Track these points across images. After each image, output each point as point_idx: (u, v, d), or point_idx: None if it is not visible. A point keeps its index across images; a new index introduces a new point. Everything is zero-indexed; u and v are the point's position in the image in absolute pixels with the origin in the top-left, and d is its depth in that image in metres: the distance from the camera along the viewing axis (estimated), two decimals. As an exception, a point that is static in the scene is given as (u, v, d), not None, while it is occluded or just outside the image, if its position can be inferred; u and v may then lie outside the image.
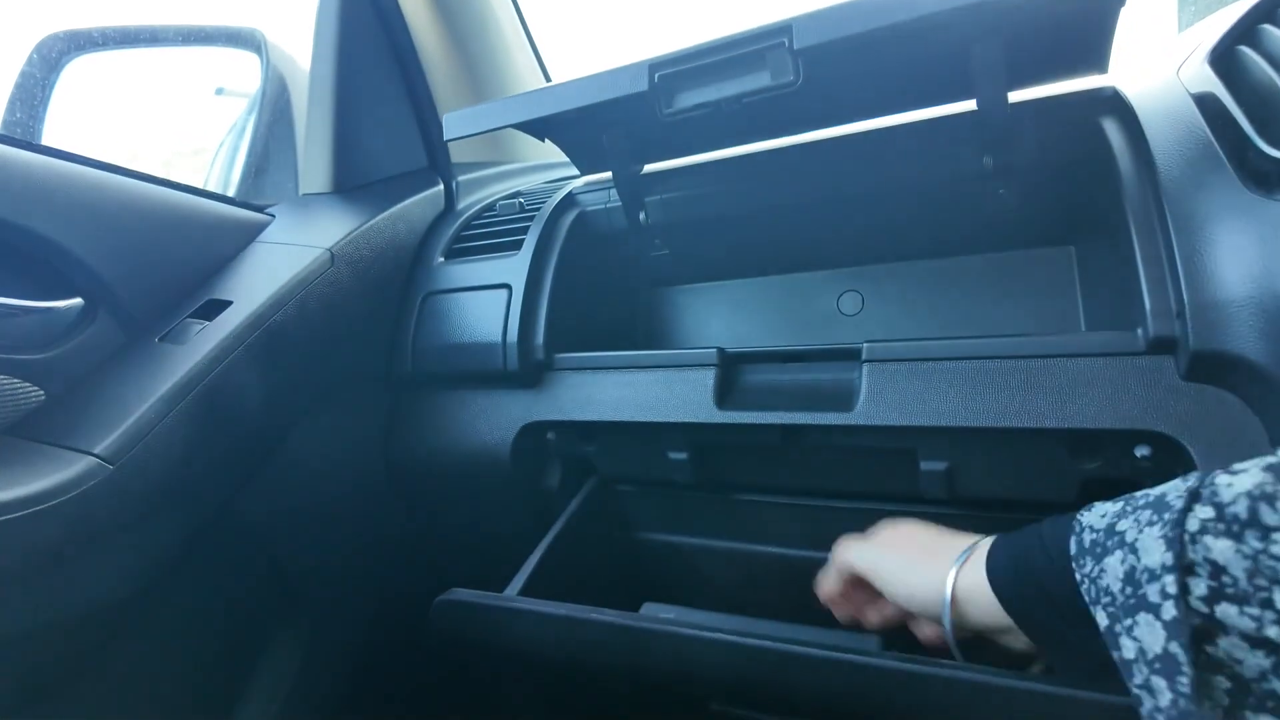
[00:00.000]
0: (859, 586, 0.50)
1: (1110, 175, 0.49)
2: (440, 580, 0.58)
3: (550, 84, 0.72)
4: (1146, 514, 0.32)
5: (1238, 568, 0.29)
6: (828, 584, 0.52)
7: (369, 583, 0.79)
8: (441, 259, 0.78)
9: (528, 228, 0.74)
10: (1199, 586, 0.30)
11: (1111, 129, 0.51)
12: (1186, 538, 0.30)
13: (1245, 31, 0.51)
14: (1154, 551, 0.31)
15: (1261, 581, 0.28)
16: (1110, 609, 0.33)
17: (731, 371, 0.62)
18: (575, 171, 0.79)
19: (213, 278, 0.68)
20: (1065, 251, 0.63)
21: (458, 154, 0.91)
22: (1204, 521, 0.30)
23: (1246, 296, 0.41)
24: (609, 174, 0.72)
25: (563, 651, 0.51)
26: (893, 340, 0.54)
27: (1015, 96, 0.55)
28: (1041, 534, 0.39)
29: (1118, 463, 0.48)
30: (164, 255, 0.65)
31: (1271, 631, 0.28)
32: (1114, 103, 0.53)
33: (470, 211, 0.84)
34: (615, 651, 0.49)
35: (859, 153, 0.64)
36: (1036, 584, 0.38)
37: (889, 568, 0.46)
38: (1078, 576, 0.35)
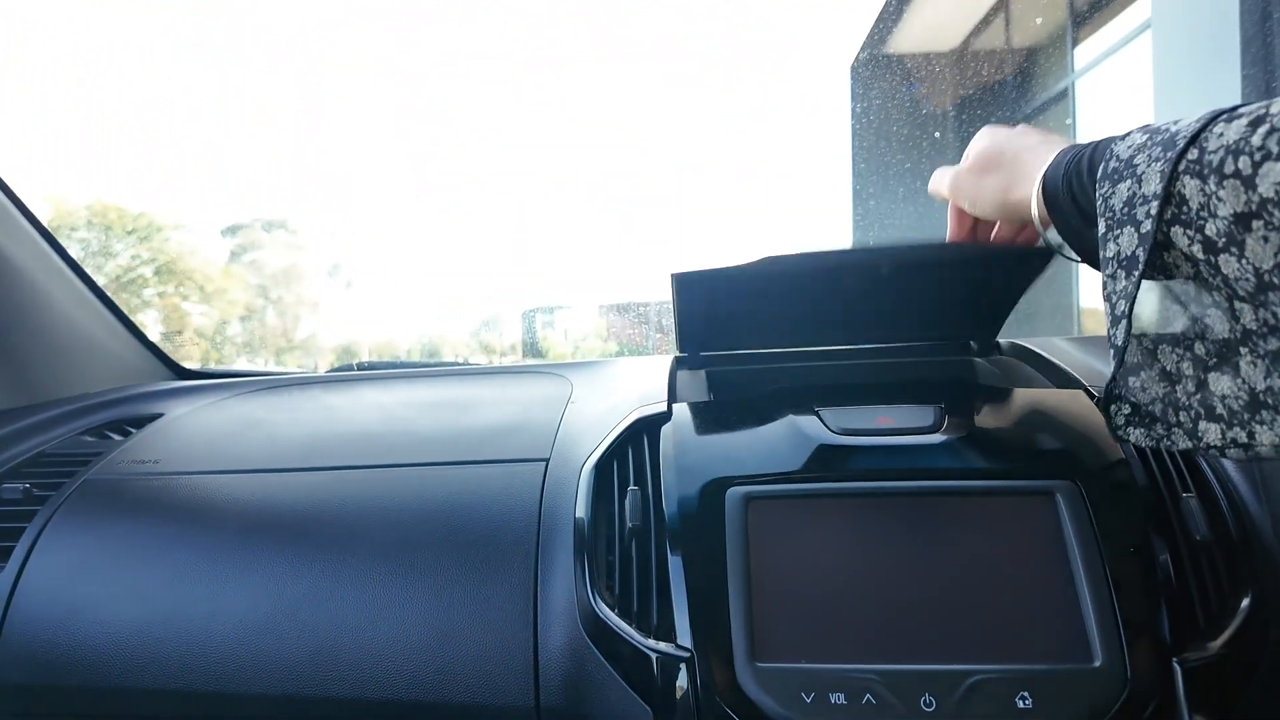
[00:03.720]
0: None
1: None
2: None
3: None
4: (1158, 150, 0.40)
5: (1194, 202, 0.38)
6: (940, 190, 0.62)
7: None
8: None
9: (23, 530, 0.60)
10: (1167, 212, 0.40)
11: None
12: (1176, 174, 0.39)
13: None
14: (1152, 182, 0.40)
15: (1204, 214, 0.37)
16: (1110, 220, 0.43)
17: None
18: (140, 411, 0.68)
19: None
20: None
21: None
22: (1189, 162, 0.38)
23: None
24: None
25: None
26: None
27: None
28: (1089, 156, 0.46)
29: None
30: None
31: (1197, 249, 0.39)
32: None
33: None
34: None
35: None
36: (1073, 196, 0.48)
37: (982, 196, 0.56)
38: (1097, 196, 0.44)
